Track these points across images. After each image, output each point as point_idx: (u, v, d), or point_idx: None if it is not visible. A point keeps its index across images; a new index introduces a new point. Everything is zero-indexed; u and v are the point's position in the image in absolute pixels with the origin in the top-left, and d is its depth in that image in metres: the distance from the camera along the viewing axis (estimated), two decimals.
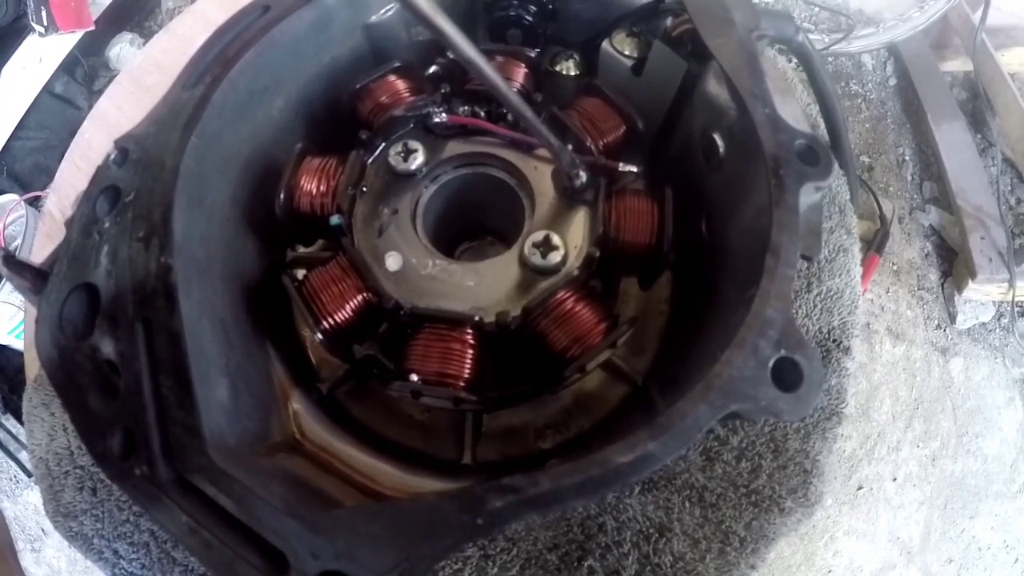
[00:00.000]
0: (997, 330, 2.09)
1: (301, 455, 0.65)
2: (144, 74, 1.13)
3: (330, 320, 0.65)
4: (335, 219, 0.68)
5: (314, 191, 0.72)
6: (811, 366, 0.52)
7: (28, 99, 2.09)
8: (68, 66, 2.18)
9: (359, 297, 0.65)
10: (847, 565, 1.86)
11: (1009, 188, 2.18)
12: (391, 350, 0.72)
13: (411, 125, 0.75)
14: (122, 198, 0.62)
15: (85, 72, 2.26)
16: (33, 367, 0.88)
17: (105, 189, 0.64)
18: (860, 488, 1.91)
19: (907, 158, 2.28)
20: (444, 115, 0.73)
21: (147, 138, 0.66)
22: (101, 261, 0.59)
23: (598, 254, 0.66)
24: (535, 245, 0.67)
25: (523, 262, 0.68)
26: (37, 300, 0.62)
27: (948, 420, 2.01)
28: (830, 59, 2.42)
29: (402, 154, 0.74)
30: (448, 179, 0.76)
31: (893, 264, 2.10)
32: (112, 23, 2.33)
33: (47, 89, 2.13)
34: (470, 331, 0.63)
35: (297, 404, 0.69)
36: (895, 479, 1.94)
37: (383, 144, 0.75)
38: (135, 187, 0.62)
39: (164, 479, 0.49)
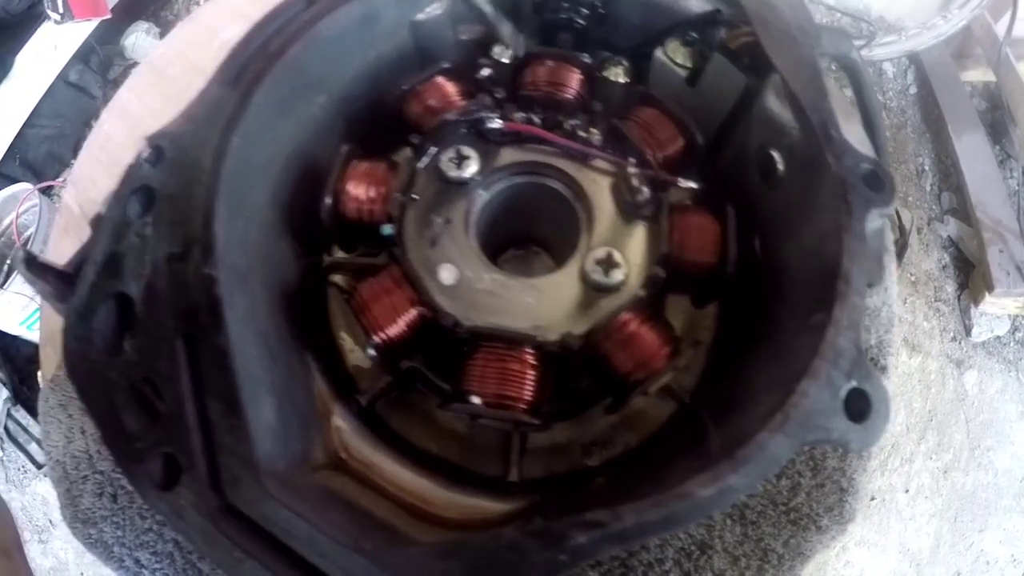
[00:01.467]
0: (1012, 344, 2.09)
1: (345, 474, 0.63)
2: (167, 64, 1.10)
3: (383, 335, 0.63)
4: (387, 228, 0.66)
5: (362, 196, 0.69)
6: (879, 396, 0.52)
7: (42, 87, 2.07)
8: (83, 54, 2.16)
9: (413, 311, 0.63)
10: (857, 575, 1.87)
11: None
12: (436, 362, 0.71)
13: (462, 130, 0.73)
14: (157, 201, 0.59)
15: (100, 61, 2.24)
16: (50, 366, 0.85)
17: (137, 190, 0.60)
18: (873, 499, 1.91)
19: (926, 168, 2.27)
20: (499, 121, 0.70)
21: (184, 136, 0.62)
22: (135, 269, 0.56)
23: (663, 275, 0.64)
24: (597, 262, 0.65)
25: (584, 279, 0.66)
26: (63, 309, 0.58)
27: (961, 433, 2.01)
28: None
29: (455, 160, 0.71)
30: (501, 187, 0.74)
31: (911, 275, 2.10)
32: (128, 12, 2.30)
33: (62, 77, 2.11)
34: (531, 351, 0.62)
35: (340, 420, 0.67)
36: (907, 491, 1.94)
37: (435, 149, 0.73)
38: (171, 189, 0.58)
39: (212, 510, 0.46)
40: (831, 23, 2.46)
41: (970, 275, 2.10)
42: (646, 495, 0.48)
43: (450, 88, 0.75)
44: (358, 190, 0.70)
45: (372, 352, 0.61)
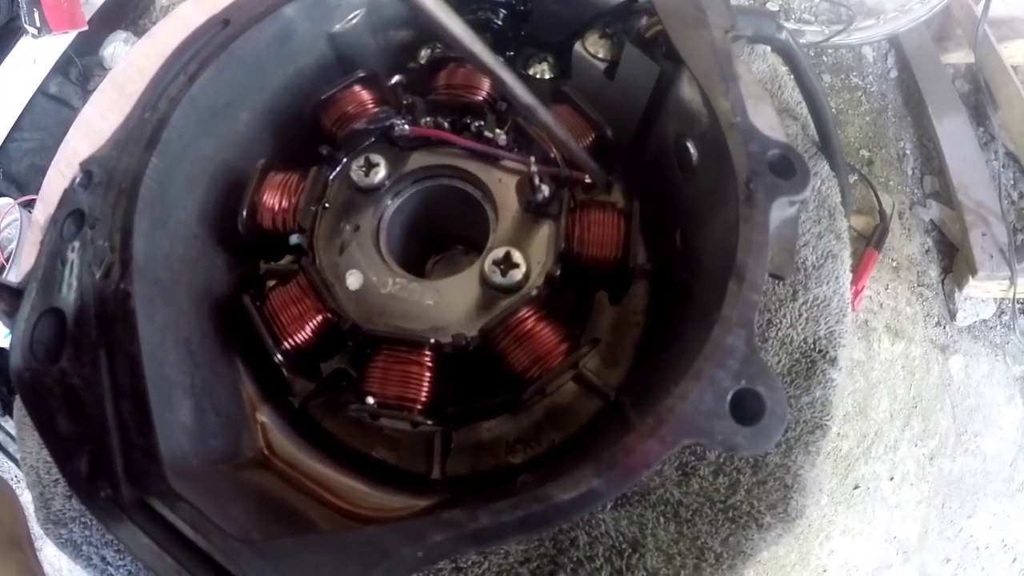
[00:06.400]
0: (998, 327, 2.06)
1: (270, 471, 0.65)
2: (127, 81, 1.12)
3: (290, 341, 0.64)
4: (295, 239, 0.67)
5: (276, 207, 0.71)
6: (774, 397, 0.49)
7: (23, 101, 2.09)
8: (62, 66, 2.18)
9: (319, 318, 0.64)
10: (842, 564, 1.86)
11: (1011, 183, 2.14)
12: (360, 363, 0.71)
13: (373, 138, 0.74)
14: (86, 222, 0.63)
15: (79, 72, 2.26)
16: None
17: (71, 213, 0.65)
18: (857, 487, 1.90)
19: (908, 152, 2.25)
20: (406, 127, 0.71)
21: (109, 160, 0.66)
22: (67, 286, 0.60)
23: (559, 272, 0.64)
24: (495, 263, 0.65)
25: (484, 280, 0.66)
26: (10, 323, 0.63)
27: (947, 418, 1.99)
28: (830, 51, 2.37)
29: (364, 168, 0.72)
30: (412, 192, 0.75)
31: (892, 260, 2.08)
32: (106, 22, 2.32)
33: (42, 90, 2.13)
34: (428, 353, 0.62)
35: (265, 418, 0.68)
36: (892, 478, 1.92)
37: (345, 158, 0.74)
38: (98, 211, 0.63)
39: (128, 501, 0.50)
40: (809, 8, 2.44)
41: (953, 259, 2.07)
42: None
43: (366, 96, 0.76)
44: (273, 201, 0.72)
45: (280, 358, 0.62)
